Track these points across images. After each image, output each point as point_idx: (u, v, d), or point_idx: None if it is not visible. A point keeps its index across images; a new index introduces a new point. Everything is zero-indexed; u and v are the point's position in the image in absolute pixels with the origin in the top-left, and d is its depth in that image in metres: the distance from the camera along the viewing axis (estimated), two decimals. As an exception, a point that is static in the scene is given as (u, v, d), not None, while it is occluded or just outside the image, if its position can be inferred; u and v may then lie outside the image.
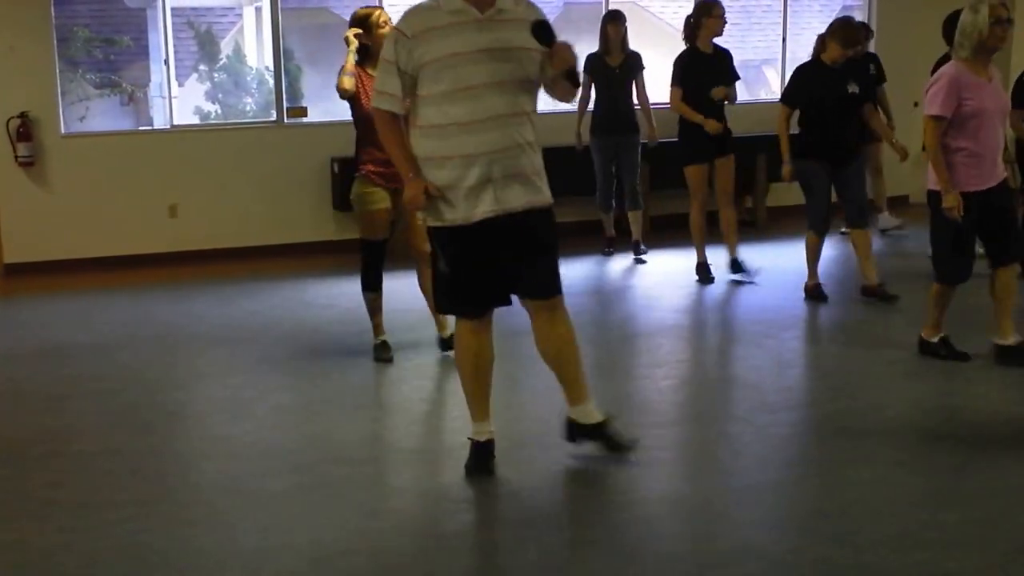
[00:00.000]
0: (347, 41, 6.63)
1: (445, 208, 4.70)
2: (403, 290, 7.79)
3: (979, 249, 6.49)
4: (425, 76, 4.62)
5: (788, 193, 11.41)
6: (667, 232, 10.90)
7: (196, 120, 11.49)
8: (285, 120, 10.95)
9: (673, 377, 6.61)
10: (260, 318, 8.35)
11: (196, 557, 4.24)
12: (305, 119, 11.05)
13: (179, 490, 4.97)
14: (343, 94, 6.58)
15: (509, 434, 5.31)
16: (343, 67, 6.60)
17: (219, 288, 9.51)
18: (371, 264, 6.87)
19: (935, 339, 6.64)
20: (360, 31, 6.61)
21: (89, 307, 8.99)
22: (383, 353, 6.95)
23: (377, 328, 7.04)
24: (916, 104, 11.98)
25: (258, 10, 11.85)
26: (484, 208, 4.66)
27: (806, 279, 8.27)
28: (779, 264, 9.50)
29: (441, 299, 4.97)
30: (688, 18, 8.89)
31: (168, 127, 10.80)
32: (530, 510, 4.66)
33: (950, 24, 8.14)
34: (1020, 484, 4.74)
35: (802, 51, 12.78)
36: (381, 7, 6.67)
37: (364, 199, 6.71)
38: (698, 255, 9.12)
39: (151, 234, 10.57)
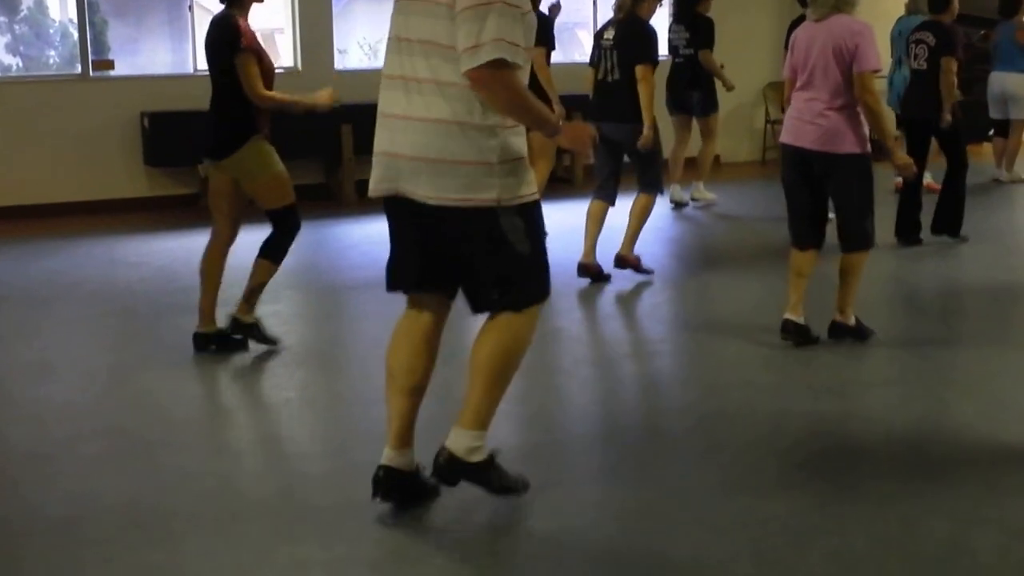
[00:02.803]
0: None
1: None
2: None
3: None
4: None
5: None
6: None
7: (-5, 72, 11.00)
8: (91, 73, 10.51)
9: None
10: (65, 277, 7.99)
11: (-1, 527, 4.02)
12: (112, 72, 10.65)
13: (-20, 457, 4.70)
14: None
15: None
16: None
17: (21, 247, 9.07)
18: (297, 229, 5.96)
19: (853, 321, 5.96)
20: None
21: None
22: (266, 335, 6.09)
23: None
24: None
25: (61, -40, 11.35)
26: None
27: (621, 247, 7.55)
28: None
29: (544, 283, 4.01)
30: None
31: (-36, 79, 10.31)
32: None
33: None
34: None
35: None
36: None
37: (272, 160, 5.80)
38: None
39: (-54, 191, 10.04)
